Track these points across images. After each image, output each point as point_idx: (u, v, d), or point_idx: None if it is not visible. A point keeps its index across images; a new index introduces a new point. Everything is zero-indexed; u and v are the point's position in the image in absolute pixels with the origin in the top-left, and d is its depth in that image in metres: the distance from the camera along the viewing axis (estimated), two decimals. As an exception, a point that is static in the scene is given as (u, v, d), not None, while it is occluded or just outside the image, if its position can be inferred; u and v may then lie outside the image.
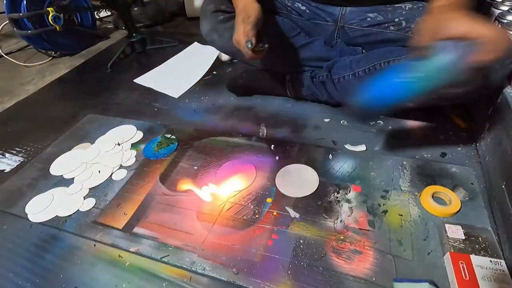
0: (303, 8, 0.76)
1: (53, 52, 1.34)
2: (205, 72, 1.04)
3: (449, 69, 0.41)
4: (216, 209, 0.57)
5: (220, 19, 0.73)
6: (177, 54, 1.20)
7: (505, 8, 0.72)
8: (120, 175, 0.67)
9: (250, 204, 0.58)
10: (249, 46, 0.58)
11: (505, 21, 0.68)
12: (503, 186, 0.50)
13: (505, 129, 0.55)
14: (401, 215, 0.53)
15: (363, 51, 0.77)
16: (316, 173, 0.62)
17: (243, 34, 0.58)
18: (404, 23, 0.66)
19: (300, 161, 0.65)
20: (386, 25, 0.69)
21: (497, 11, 0.73)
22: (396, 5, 0.70)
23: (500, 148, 0.55)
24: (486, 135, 0.62)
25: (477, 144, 0.65)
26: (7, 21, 1.19)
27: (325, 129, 0.74)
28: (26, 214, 0.61)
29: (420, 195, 0.55)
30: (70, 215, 0.60)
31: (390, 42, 0.69)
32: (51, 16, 1.16)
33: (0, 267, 0.52)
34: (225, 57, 1.09)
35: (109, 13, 1.59)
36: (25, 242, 0.56)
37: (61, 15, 1.19)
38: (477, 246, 0.45)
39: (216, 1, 0.74)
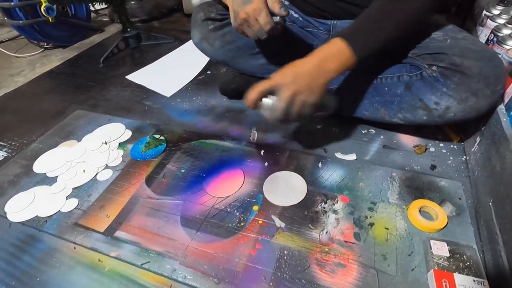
0: (296, 15, 0.75)
1: (45, 44, 1.31)
2: (199, 71, 1.03)
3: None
4: (201, 215, 0.56)
5: (210, 28, 0.73)
6: (172, 52, 1.18)
7: (501, 21, 0.72)
8: (105, 176, 0.65)
9: (235, 211, 0.57)
10: (283, 11, 0.54)
11: (501, 34, 0.67)
12: (490, 203, 0.50)
13: (495, 144, 0.54)
14: (387, 228, 0.52)
15: None
16: (304, 181, 0.61)
17: (275, 1, 0.53)
18: None
19: (289, 168, 0.64)
20: None
21: (494, 24, 0.73)
22: None
23: (489, 164, 0.55)
24: (476, 149, 0.61)
25: (467, 158, 0.65)
26: (-2, 10, 1.16)
27: (316, 136, 0.73)
28: (6, 213, 0.59)
29: (407, 209, 0.55)
30: (51, 215, 0.58)
31: (382, 54, 0.68)
32: (44, 6, 1.13)
33: (-25, 267, 0.51)
34: (220, 56, 1.07)
35: (104, 5, 1.56)
36: (2, 242, 0.54)
37: (54, 6, 1.17)
38: (461, 264, 0.45)
39: (206, 9, 0.73)
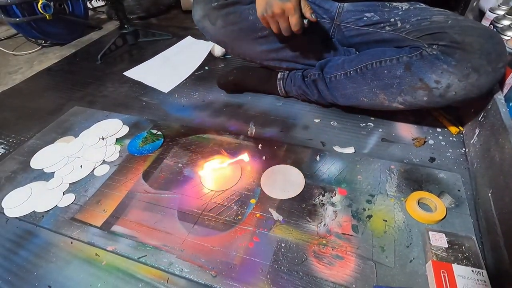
0: None
1: (43, 41, 1.31)
2: (196, 67, 1.02)
3: None
4: (198, 209, 0.56)
5: (214, 6, 0.71)
6: (170, 48, 1.17)
7: (501, 12, 0.71)
8: (102, 171, 0.65)
9: (233, 204, 0.56)
10: (313, 18, 0.59)
11: (500, 25, 0.67)
12: (489, 194, 0.49)
13: (494, 135, 0.54)
14: (386, 220, 0.52)
15: (357, 52, 0.75)
16: (302, 174, 0.61)
17: (307, 6, 0.59)
18: (399, 23, 0.65)
19: (287, 162, 0.64)
20: (381, 25, 0.67)
21: (493, 15, 0.72)
22: (394, 5, 0.68)
23: (488, 155, 0.54)
24: (475, 141, 0.61)
25: (467, 150, 0.64)
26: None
27: (314, 129, 0.73)
28: (3, 209, 0.59)
29: (406, 201, 0.54)
30: (48, 210, 0.58)
31: (384, 43, 0.68)
32: (41, 4, 1.13)
33: (-29, 263, 0.51)
34: (218, 52, 1.07)
35: (102, 2, 1.56)
36: (0, 238, 0.54)
37: (51, 3, 1.16)
38: (459, 255, 0.44)
39: None
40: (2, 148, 0.75)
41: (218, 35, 0.75)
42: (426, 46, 0.58)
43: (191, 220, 0.54)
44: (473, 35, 0.53)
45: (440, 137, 0.68)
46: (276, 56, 0.77)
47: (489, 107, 0.58)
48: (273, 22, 0.62)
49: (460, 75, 0.55)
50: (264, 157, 0.65)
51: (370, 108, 0.70)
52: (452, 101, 0.58)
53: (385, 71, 0.63)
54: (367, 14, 0.69)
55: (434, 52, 0.57)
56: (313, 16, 0.59)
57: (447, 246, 0.45)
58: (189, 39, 1.22)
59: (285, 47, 0.75)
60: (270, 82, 0.82)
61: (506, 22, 0.67)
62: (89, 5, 1.41)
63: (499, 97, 0.57)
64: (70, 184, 0.63)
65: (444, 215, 0.51)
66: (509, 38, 0.63)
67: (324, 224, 0.52)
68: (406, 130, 0.71)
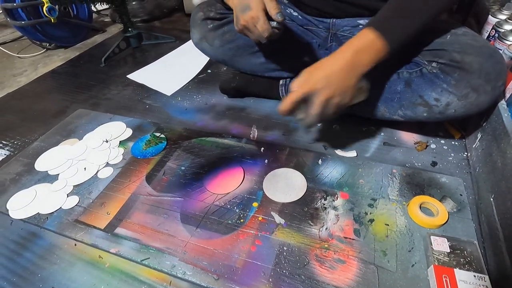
0: (295, 14, 0.75)
1: (47, 44, 1.32)
2: (199, 70, 1.03)
3: None
4: (201, 212, 0.56)
5: (209, 27, 0.73)
6: (173, 51, 1.18)
7: (503, 17, 0.71)
8: (106, 173, 0.65)
9: (235, 208, 0.57)
10: (279, 17, 0.54)
11: (502, 30, 0.67)
12: (491, 199, 0.49)
13: (496, 140, 0.54)
14: (388, 224, 0.52)
15: None
16: (304, 178, 0.61)
17: (271, 5, 0.53)
18: None
19: (289, 165, 0.64)
20: None
21: (495, 20, 0.72)
22: None
23: (490, 160, 0.54)
24: (477, 145, 0.61)
25: (469, 155, 0.64)
26: (1, 11, 1.17)
27: (316, 133, 0.73)
28: (7, 210, 0.59)
29: (407, 205, 0.54)
30: (52, 212, 0.59)
31: None
32: (46, 7, 1.14)
33: (-23, 264, 0.51)
34: (220, 55, 1.07)
35: (106, 6, 1.57)
36: (4, 239, 0.55)
37: (56, 7, 1.17)
38: (461, 260, 0.44)
39: (205, 8, 0.73)
40: (7, 150, 0.76)
41: (217, 55, 0.78)
42: (426, 63, 0.58)
43: (194, 223, 0.55)
44: (473, 54, 0.53)
45: (442, 142, 0.68)
46: (275, 67, 0.78)
47: (491, 112, 0.58)
48: (248, 33, 0.60)
49: (459, 94, 0.55)
50: (266, 161, 0.66)
51: (371, 118, 0.70)
52: (452, 117, 0.59)
53: (386, 85, 0.63)
54: (361, 22, 0.69)
55: (434, 71, 0.57)
56: (278, 17, 0.54)
57: (449, 251, 0.45)
58: (191, 42, 1.23)
59: (284, 57, 0.76)
60: (272, 89, 0.83)
61: (508, 27, 0.67)
62: (93, 8, 1.42)
63: (501, 102, 0.57)
64: (74, 186, 0.63)
65: (446, 220, 0.51)
66: (511, 43, 0.63)
67: (326, 228, 0.52)
68: (408, 134, 0.71)
